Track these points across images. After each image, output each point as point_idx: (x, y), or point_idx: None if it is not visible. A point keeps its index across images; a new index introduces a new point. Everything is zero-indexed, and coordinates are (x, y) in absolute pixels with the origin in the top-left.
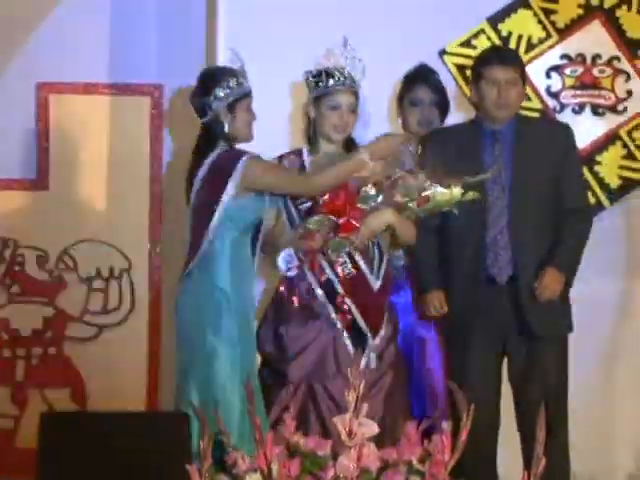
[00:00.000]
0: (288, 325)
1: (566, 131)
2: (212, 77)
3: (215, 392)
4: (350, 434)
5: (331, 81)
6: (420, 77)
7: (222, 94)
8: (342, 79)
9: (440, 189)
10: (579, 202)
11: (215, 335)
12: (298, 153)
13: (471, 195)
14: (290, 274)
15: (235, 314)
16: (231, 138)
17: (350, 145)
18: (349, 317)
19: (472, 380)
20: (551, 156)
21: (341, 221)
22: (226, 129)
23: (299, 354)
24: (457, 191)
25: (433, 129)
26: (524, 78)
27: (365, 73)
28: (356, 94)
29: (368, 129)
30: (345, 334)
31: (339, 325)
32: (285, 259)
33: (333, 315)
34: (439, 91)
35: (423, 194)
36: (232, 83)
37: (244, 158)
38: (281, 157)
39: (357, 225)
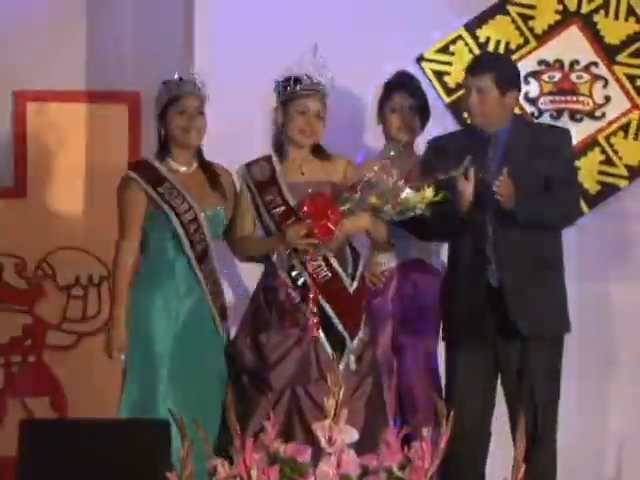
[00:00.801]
0: (268, 333)
1: (562, 135)
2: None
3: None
4: (330, 440)
5: (299, 86)
6: (399, 83)
7: (155, 104)
8: (310, 84)
9: (412, 190)
10: (569, 193)
11: None
12: (267, 159)
13: (442, 195)
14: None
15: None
16: (171, 147)
17: (319, 152)
18: (325, 320)
19: (465, 386)
20: (545, 159)
21: (318, 225)
22: (161, 136)
23: (280, 361)
24: (429, 191)
25: (436, 136)
26: (504, 84)
27: (333, 82)
28: (324, 101)
29: (349, 137)
30: (323, 338)
31: (320, 330)
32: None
33: (311, 319)
34: (418, 97)
35: (397, 195)
36: (161, 92)
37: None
38: (250, 164)
39: (333, 228)
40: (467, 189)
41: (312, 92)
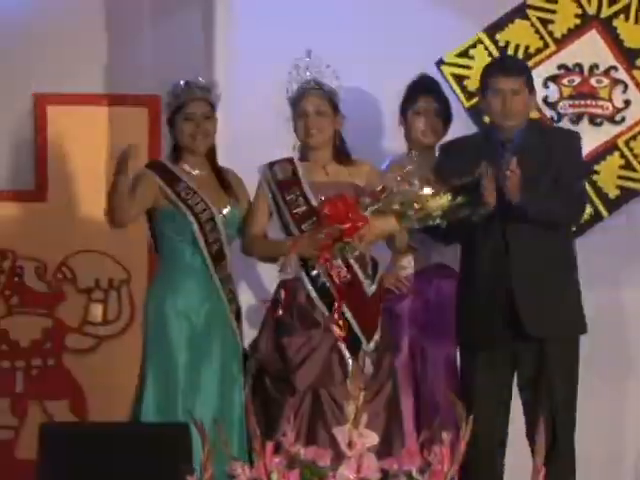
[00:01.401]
0: (289, 335)
1: (571, 138)
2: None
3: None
4: (350, 444)
5: (295, 90)
6: (424, 87)
7: (164, 109)
8: (304, 85)
9: (431, 196)
10: (576, 192)
11: None
12: (289, 160)
13: (460, 200)
14: (284, 277)
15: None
16: (182, 151)
17: (341, 156)
18: (344, 322)
19: (482, 389)
20: (554, 162)
21: (345, 226)
22: (172, 142)
23: (304, 363)
24: (446, 197)
25: (450, 140)
26: (531, 86)
27: (336, 78)
28: (326, 98)
29: (369, 140)
30: (343, 341)
31: (336, 331)
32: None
33: (331, 321)
34: (442, 101)
35: (418, 203)
36: (169, 97)
37: None
38: (272, 164)
39: (359, 226)
40: (491, 188)
41: (307, 92)
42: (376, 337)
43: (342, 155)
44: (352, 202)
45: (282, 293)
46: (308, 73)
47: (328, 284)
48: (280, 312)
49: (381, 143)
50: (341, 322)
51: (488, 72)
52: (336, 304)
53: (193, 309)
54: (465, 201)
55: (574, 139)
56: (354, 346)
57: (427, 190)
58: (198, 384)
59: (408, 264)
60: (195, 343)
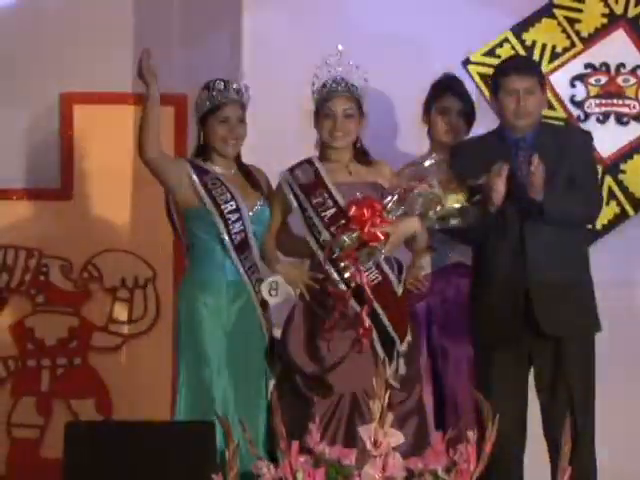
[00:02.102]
0: (323, 334)
1: (583, 138)
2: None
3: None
4: (376, 443)
5: (324, 90)
6: (450, 86)
7: (195, 107)
8: (334, 86)
9: (449, 196)
10: (591, 192)
11: None
12: (309, 162)
13: (477, 198)
14: (272, 303)
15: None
16: (210, 151)
17: (361, 157)
18: (377, 323)
19: (497, 388)
20: (567, 162)
21: (367, 232)
22: (201, 141)
23: (339, 364)
24: (462, 196)
25: (462, 141)
26: (543, 85)
27: (366, 80)
28: (354, 99)
29: (396, 139)
30: (376, 340)
31: (374, 333)
32: (268, 287)
33: (367, 322)
34: (467, 101)
35: (438, 203)
36: (203, 95)
37: None
38: (292, 169)
39: (381, 236)
40: (500, 186)
41: (336, 93)
42: (409, 338)
43: (362, 155)
44: (378, 207)
45: (311, 293)
46: (339, 71)
47: (363, 286)
48: (310, 309)
49: (405, 142)
50: (367, 324)
51: (501, 72)
52: (366, 307)
53: (224, 307)
54: (480, 200)
55: (586, 138)
56: (387, 347)
57: (447, 193)
58: (231, 382)
59: (426, 264)
60: (227, 341)
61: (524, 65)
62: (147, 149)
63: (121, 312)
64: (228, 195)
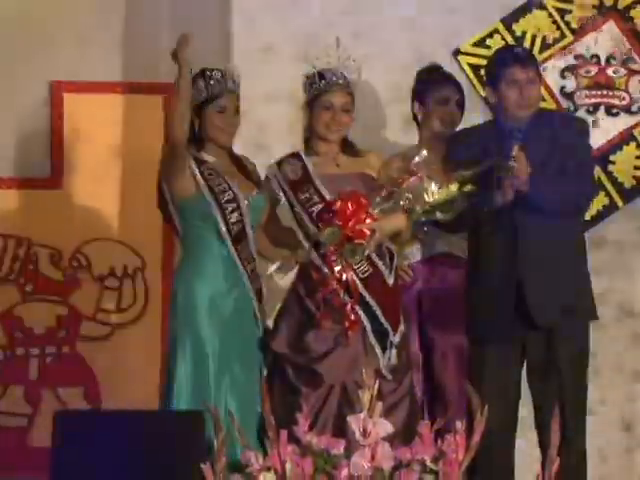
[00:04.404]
0: (314, 326)
1: (579, 126)
2: (192, 79)
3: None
4: (365, 433)
5: (323, 82)
6: (445, 76)
7: (193, 92)
8: (334, 79)
9: (438, 189)
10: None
11: None
12: (296, 156)
13: (468, 189)
14: (280, 279)
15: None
16: (204, 140)
17: (348, 148)
18: (369, 314)
19: (490, 380)
20: (562, 151)
21: (352, 227)
22: (196, 131)
23: (329, 354)
24: (453, 187)
25: (458, 131)
26: (541, 76)
27: (360, 73)
28: (350, 94)
29: (384, 129)
30: (369, 330)
31: (366, 323)
32: (276, 267)
33: (361, 313)
34: (462, 91)
35: (426, 197)
36: (201, 84)
37: None
38: (280, 163)
39: (367, 232)
40: (522, 167)
41: (336, 87)
42: (401, 328)
43: (350, 147)
44: (364, 203)
45: (302, 282)
46: (335, 62)
47: (354, 278)
48: (301, 301)
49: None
50: (353, 317)
51: (502, 62)
52: (352, 300)
53: (221, 295)
54: (472, 191)
55: (582, 127)
56: (380, 338)
57: (435, 185)
58: (227, 371)
59: (411, 254)
60: (224, 330)
61: (525, 55)
62: (178, 134)
63: (110, 301)
64: (225, 185)
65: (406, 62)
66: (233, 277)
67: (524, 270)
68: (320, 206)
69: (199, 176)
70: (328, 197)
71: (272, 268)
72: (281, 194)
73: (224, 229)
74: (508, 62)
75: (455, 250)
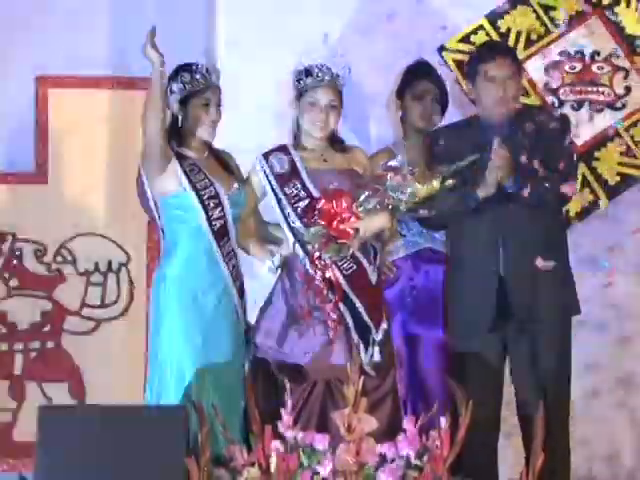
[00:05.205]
0: (298, 324)
1: (560, 121)
2: (174, 72)
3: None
4: (349, 428)
5: (309, 79)
6: (423, 71)
7: (175, 89)
8: (321, 75)
9: (421, 185)
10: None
11: None
12: (284, 149)
13: (449, 183)
14: (274, 272)
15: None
16: (187, 134)
17: (336, 144)
18: (352, 311)
19: (472, 376)
20: (543, 146)
21: (336, 227)
22: (179, 124)
23: (313, 350)
24: (436, 183)
25: (441, 126)
26: (520, 71)
27: (349, 70)
28: (338, 90)
29: (368, 123)
30: (352, 327)
31: (349, 321)
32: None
33: (344, 310)
34: (441, 86)
35: (409, 192)
36: (186, 78)
37: None
38: (266, 155)
39: (351, 232)
40: (502, 161)
41: (323, 83)
42: (384, 325)
43: (337, 142)
44: (348, 201)
45: (287, 279)
46: (323, 58)
47: (337, 275)
48: (285, 298)
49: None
50: (335, 316)
51: (479, 58)
52: (335, 299)
53: (203, 291)
54: (455, 186)
55: (563, 122)
56: (363, 335)
57: (418, 182)
58: (209, 366)
59: (395, 250)
60: (206, 325)
61: (503, 52)
62: (150, 131)
63: (94, 296)
64: (207, 181)
65: (393, 58)
66: (215, 273)
67: (506, 267)
68: (307, 201)
69: (180, 172)
70: (315, 193)
71: (264, 268)
72: (267, 186)
73: (206, 224)
74: (485, 59)
75: (439, 246)
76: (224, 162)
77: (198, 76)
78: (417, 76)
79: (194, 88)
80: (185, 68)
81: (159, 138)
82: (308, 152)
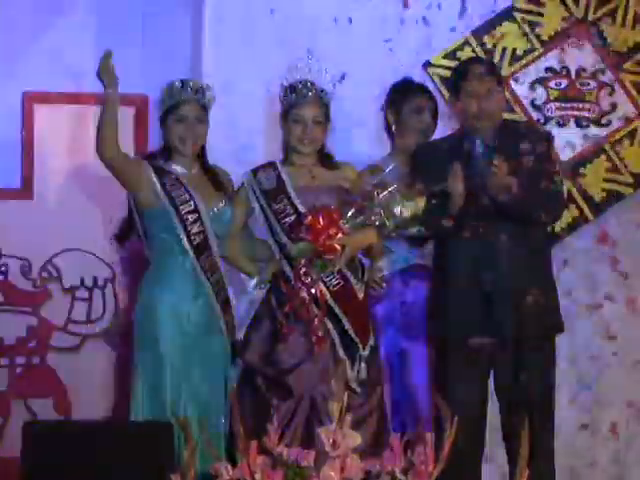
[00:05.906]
0: (285, 339)
1: (543, 137)
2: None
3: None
4: (334, 444)
5: (293, 95)
6: (419, 87)
7: (158, 105)
8: (304, 92)
9: (407, 203)
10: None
11: None
12: (272, 165)
13: (434, 203)
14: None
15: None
16: (173, 150)
17: (325, 160)
18: (338, 327)
19: (458, 394)
20: (529, 161)
21: (322, 242)
22: (162, 139)
23: (298, 366)
24: (421, 202)
25: (423, 143)
26: (501, 85)
27: (334, 85)
28: (323, 105)
29: (352, 141)
30: (338, 343)
31: (335, 337)
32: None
33: (330, 326)
34: (435, 102)
35: (395, 210)
36: (163, 95)
37: None
38: (256, 171)
39: (338, 247)
40: (458, 187)
41: (307, 99)
42: (371, 342)
43: (326, 159)
44: (335, 217)
45: (273, 293)
46: (307, 74)
47: (323, 291)
48: (272, 313)
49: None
50: (320, 333)
51: (460, 75)
52: (320, 316)
53: (182, 308)
54: (438, 204)
55: (547, 138)
56: (349, 351)
57: (406, 199)
58: (186, 382)
59: (383, 266)
60: (185, 341)
61: (483, 68)
62: (106, 149)
63: (80, 312)
64: (186, 196)
65: (381, 75)
66: (196, 288)
67: (491, 283)
68: (293, 218)
69: (159, 187)
70: (301, 209)
71: (251, 285)
72: (255, 202)
73: (185, 240)
74: (466, 75)
75: (426, 262)
76: (215, 178)
77: (173, 91)
78: (414, 90)
79: (169, 104)
80: (168, 85)
81: (116, 155)
82: (296, 168)
